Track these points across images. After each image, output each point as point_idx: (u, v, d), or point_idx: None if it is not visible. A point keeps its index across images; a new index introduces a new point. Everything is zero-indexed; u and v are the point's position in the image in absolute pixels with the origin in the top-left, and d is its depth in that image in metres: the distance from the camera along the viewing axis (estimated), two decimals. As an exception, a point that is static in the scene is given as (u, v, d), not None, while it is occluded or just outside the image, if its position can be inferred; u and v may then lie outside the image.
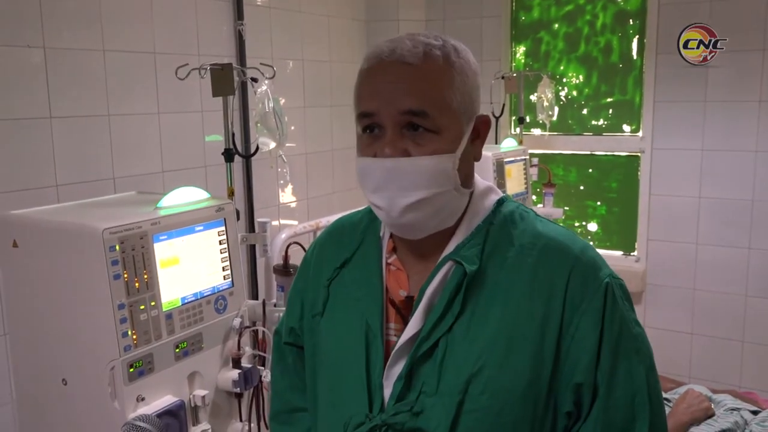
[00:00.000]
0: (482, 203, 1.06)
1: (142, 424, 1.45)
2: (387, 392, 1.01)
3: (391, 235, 1.10)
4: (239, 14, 2.96)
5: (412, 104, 0.97)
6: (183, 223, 1.78)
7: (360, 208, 1.24)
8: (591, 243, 1.09)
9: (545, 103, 3.69)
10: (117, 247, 1.60)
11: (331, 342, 1.10)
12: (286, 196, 3.37)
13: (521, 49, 3.97)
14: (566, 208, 3.88)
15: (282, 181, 3.31)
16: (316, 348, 1.14)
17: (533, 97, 3.83)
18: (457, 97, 0.99)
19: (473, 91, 1.02)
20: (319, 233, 2.70)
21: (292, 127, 3.26)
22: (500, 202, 1.08)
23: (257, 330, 2.01)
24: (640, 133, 3.66)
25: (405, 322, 1.03)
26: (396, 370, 1.01)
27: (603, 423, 0.97)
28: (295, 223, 3.32)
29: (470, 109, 1.02)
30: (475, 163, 1.08)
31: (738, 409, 2.58)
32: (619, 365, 0.97)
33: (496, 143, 3.62)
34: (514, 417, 0.96)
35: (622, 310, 0.99)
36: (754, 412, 2.58)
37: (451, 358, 0.97)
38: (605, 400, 0.97)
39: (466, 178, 1.03)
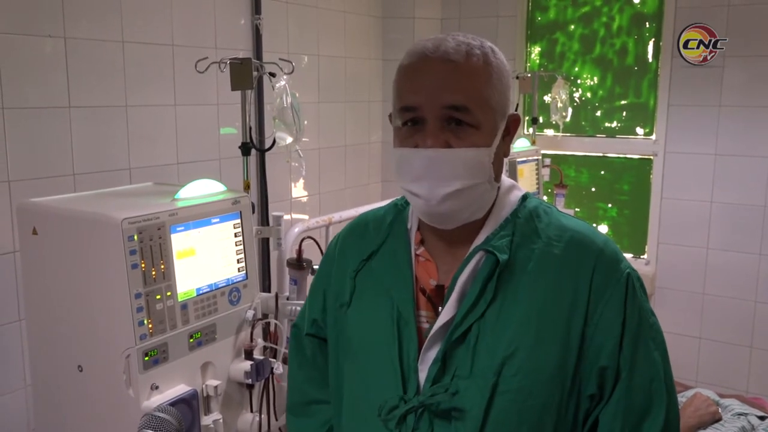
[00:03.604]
0: (508, 198, 1.11)
1: (162, 414, 1.47)
2: (422, 376, 1.05)
3: (419, 228, 1.14)
4: (257, 8, 2.98)
5: (455, 99, 1.01)
6: (200, 215, 1.80)
7: (381, 204, 1.28)
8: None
9: (559, 104, 3.69)
10: (135, 237, 1.62)
11: (361, 330, 1.13)
12: (298, 190, 3.39)
13: (536, 50, 3.97)
14: (577, 209, 3.88)
15: (294, 176, 3.33)
16: (341, 338, 1.17)
17: (547, 98, 3.83)
18: (495, 95, 1.04)
19: (507, 90, 1.08)
20: (331, 228, 2.72)
21: (305, 122, 3.28)
22: (524, 198, 1.13)
23: (270, 322, 2.03)
24: (653, 136, 3.66)
25: (435, 309, 1.08)
26: (431, 355, 1.04)
27: (625, 405, 1.03)
28: (306, 217, 3.34)
29: (504, 107, 1.07)
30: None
31: (745, 414, 2.58)
32: (639, 351, 1.03)
33: (509, 143, 3.62)
34: (544, 399, 1.01)
35: (641, 300, 1.05)
36: (761, 418, 2.58)
37: (483, 343, 1.02)
38: (627, 384, 1.03)
39: (497, 172, 1.09)
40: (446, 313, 1.05)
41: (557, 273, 1.04)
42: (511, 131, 1.10)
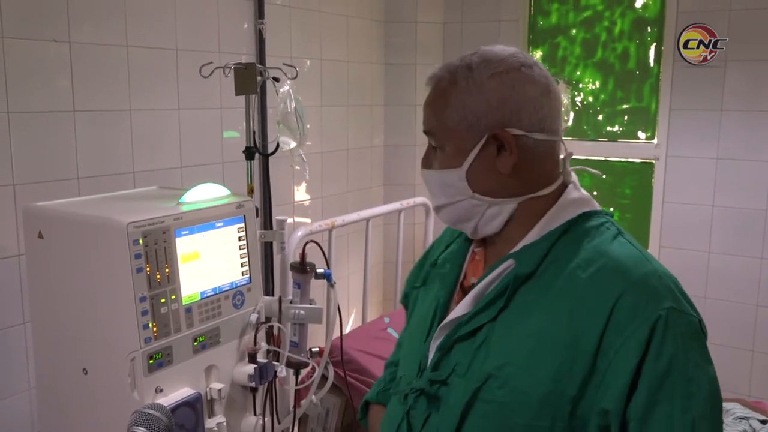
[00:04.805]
0: (564, 213, 1.07)
1: (151, 411, 1.48)
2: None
3: None
4: (260, 13, 2.99)
5: (424, 125, 1.12)
6: (204, 219, 1.81)
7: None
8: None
9: (561, 108, 3.69)
10: (140, 241, 1.63)
11: (416, 311, 1.26)
12: (300, 194, 3.40)
13: (538, 54, 3.97)
14: (579, 213, 3.88)
15: (297, 179, 3.34)
16: (410, 314, 1.33)
17: (549, 102, 3.83)
18: (455, 116, 1.06)
19: (480, 107, 1.04)
20: (334, 232, 2.73)
21: (308, 126, 3.29)
22: (587, 215, 1.08)
23: (273, 326, 2.04)
24: (655, 140, 3.67)
25: None
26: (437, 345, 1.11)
27: None
28: (309, 221, 3.35)
29: (477, 125, 1.05)
30: None
31: (747, 418, 2.59)
32: (659, 407, 0.92)
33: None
34: (529, 421, 0.97)
35: (677, 348, 0.93)
36: (763, 422, 2.59)
37: (485, 348, 1.04)
38: None
39: (491, 189, 1.08)
40: (459, 309, 1.09)
41: (575, 298, 0.98)
42: (508, 147, 1.04)
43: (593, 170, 1.20)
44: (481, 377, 1.01)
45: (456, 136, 1.06)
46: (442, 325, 1.10)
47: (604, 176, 1.25)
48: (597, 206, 1.11)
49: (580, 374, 0.95)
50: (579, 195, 1.10)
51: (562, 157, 1.13)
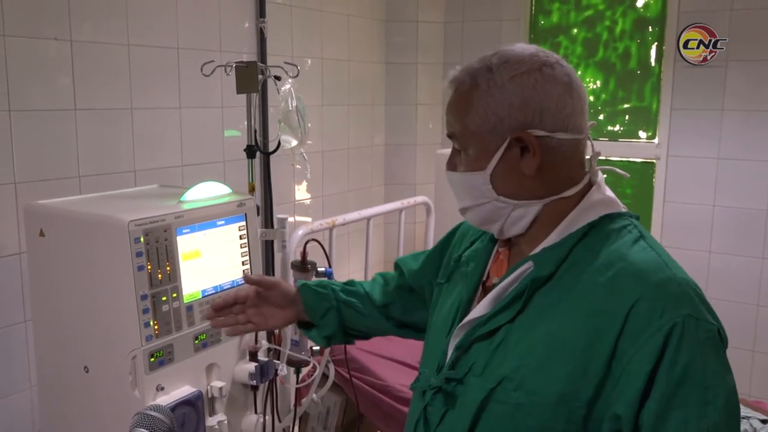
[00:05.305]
0: (585, 215, 1.06)
1: (154, 413, 1.49)
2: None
3: None
4: (261, 12, 2.99)
5: (448, 128, 1.11)
6: (205, 218, 1.82)
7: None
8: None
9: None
10: (142, 239, 1.63)
11: (439, 308, 1.24)
12: (301, 192, 3.40)
13: (539, 53, 3.97)
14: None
15: (298, 178, 3.34)
16: (433, 309, 1.29)
17: (550, 101, 3.83)
18: (477, 119, 1.05)
19: (503, 109, 1.03)
20: (335, 231, 2.73)
21: (309, 124, 3.29)
22: (610, 218, 1.06)
23: (274, 324, 2.04)
24: (656, 140, 3.67)
25: None
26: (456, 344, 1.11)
27: None
28: (309, 219, 3.35)
29: (500, 127, 1.04)
30: None
31: (747, 418, 2.58)
32: (672, 413, 0.91)
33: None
34: (543, 423, 0.98)
35: (694, 355, 0.92)
36: (763, 421, 2.59)
37: (502, 349, 1.03)
38: None
39: (516, 191, 1.06)
40: (477, 310, 1.09)
41: (591, 302, 0.97)
42: (532, 149, 1.03)
43: (620, 171, 1.16)
44: (496, 378, 1.01)
45: (479, 138, 1.05)
46: (461, 324, 1.10)
47: (629, 176, 1.21)
48: (621, 208, 1.09)
49: (595, 377, 0.95)
50: (602, 197, 1.08)
51: (588, 156, 1.10)
